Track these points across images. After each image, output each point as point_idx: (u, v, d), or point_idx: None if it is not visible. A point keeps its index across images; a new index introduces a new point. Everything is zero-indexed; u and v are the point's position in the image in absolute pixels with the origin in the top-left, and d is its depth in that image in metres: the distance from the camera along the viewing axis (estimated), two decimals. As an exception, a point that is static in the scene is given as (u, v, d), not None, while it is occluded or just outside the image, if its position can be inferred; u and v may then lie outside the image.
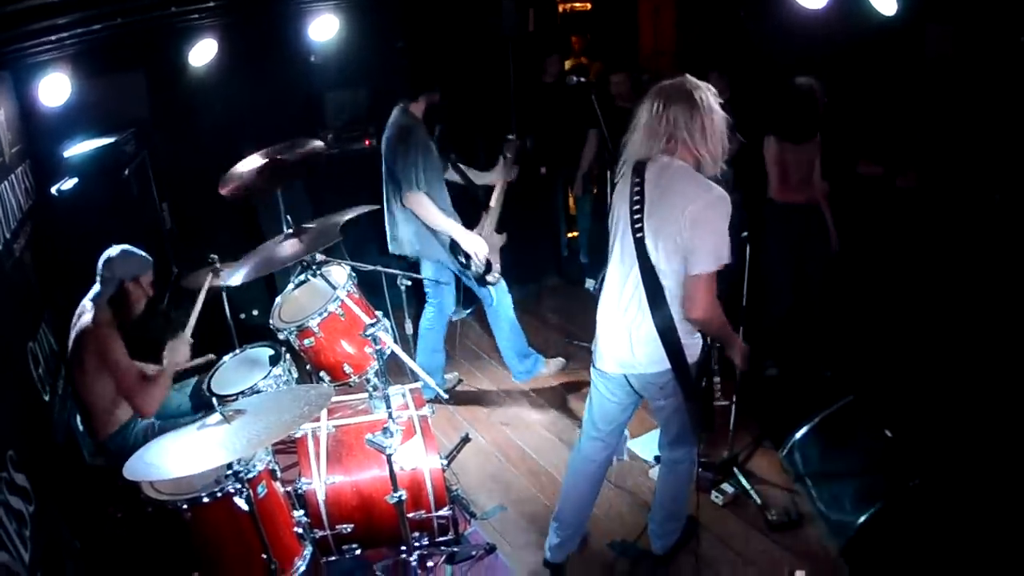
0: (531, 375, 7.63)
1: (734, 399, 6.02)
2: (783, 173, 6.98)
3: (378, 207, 6.55)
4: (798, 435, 5.60)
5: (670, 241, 4.12)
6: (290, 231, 5.40)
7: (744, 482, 5.93)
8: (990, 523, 4.94)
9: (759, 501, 5.77)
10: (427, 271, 7.22)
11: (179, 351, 5.29)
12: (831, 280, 7.16)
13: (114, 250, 5.17)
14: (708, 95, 4.16)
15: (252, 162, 6.16)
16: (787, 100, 6.77)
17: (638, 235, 4.21)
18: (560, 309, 9.35)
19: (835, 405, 5.59)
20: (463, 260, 6.86)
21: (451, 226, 6.71)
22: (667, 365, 4.34)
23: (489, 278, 6.97)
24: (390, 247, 7.10)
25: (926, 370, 6.53)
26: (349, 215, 5.66)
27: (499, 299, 7.24)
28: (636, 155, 4.31)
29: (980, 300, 6.57)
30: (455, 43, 9.17)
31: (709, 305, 4.16)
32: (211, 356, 5.93)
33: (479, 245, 6.77)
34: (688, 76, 4.25)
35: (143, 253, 5.28)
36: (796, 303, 7.26)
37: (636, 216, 4.22)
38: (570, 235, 10.34)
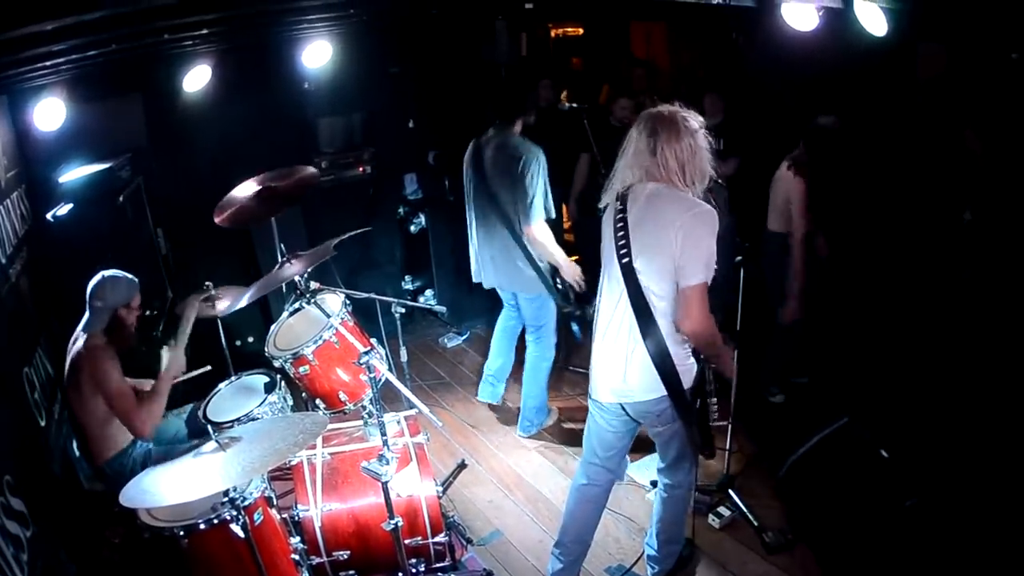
0: (538, 428, 7.47)
1: (730, 419, 6.01)
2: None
3: (368, 229, 6.48)
4: (794, 456, 5.60)
5: (661, 260, 4.17)
6: (284, 259, 5.43)
7: (741, 504, 5.92)
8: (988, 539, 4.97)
9: (756, 523, 5.76)
10: (510, 297, 7.15)
11: (175, 361, 5.32)
12: (825, 298, 7.15)
13: (100, 278, 5.15)
14: (688, 124, 4.21)
15: (246, 189, 6.18)
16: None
17: (624, 260, 4.25)
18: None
19: (831, 426, 5.59)
20: (561, 290, 6.74)
21: (562, 255, 6.58)
22: (662, 392, 4.36)
23: (577, 313, 6.88)
24: (487, 280, 7.01)
25: (921, 388, 6.54)
26: (343, 238, 5.70)
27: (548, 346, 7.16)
28: (620, 183, 4.38)
29: (977, 314, 6.59)
30: (448, 68, 9.20)
31: (702, 317, 4.19)
32: (208, 367, 5.92)
33: (579, 273, 6.67)
34: (675, 103, 4.31)
35: (128, 276, 5.25)
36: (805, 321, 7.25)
37: (621, 243, 4.27)
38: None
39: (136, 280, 5.29)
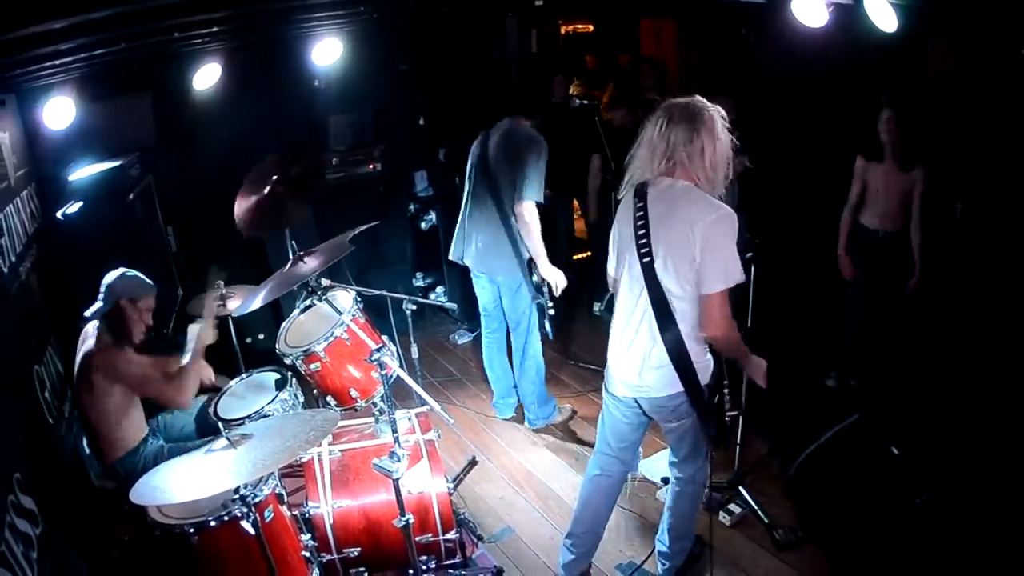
0: (546, 422, 7.49)
1: (741, 410, 5.99)
2: (862, 191, 6.98)
3: (377, 223, 6.48)
4: (805, 454, 5.59)
5: (682, 262, 4.13)
6: (296, 257, 5.43)
7: (751, 501, 5.91)
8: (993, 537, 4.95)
9: (767, 520, 5.74)
10: (485, 294, 7.18)
11: (205, 333, 5.34)
12: (904, 308, 7.08)
13: (115, 271, 5.17)
14: (715, 117, 4.17)
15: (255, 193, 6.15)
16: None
17: (645, 259, 4.22)
18: (565, 331, 9.31)
19: (842, 423, 5.57)
20: (535, 282, 6.73)
21: (542, 248, 6.58)
22: (678, 388, 4.35)
23: (550, 311, 6.84)
24: (469, 259, 7.03)
25: (931, 384, 6.53)
26: (356, 231, 5.70)
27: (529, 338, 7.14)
28: (638, 175, 4.33)
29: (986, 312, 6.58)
30: (458, 65, 9.21)
31: (724, 321, 4.18)
32: (227, 380, 5.94)
33: (559, 276, 6.64)
34: (697, 96, 4.25)
35: (146, 279, 5.25)
36: (869, 321, 7.24)
37: (642, 241, 4.23)
38: (575, 257, 10.31)
39: (154, 286, 5.30)
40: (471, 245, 6.91)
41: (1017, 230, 6.31)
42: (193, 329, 5.39)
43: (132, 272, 5.22)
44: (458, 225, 7.03)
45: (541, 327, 6.96)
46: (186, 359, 5.22)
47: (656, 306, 4.25)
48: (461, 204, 6.97)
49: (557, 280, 6.62)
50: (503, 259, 6.71)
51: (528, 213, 6.40)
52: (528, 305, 6.88)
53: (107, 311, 5.09)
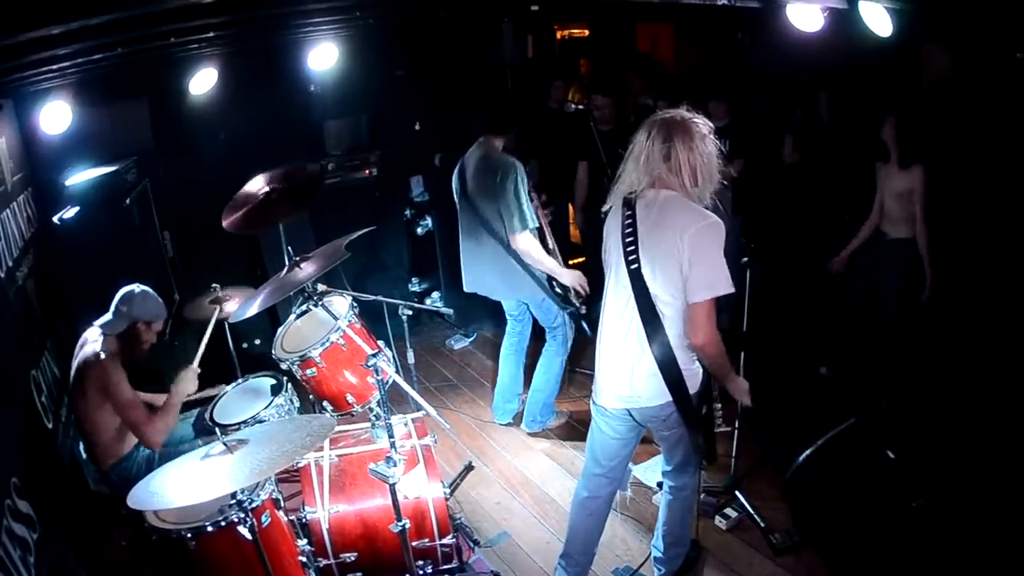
0: (543, 426, 7.51)
1: (736, 424, 6.01)
2: (881, 199, 6.95)
3: (373, 228, 6.48)
4: (801, 458, 5.60)
5: (669, 268, 4.12)
6: (292, 262, 5.43)
7: (747, 506, 5.91)
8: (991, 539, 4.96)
9: (763, 524, 5.75)
10: (512, 308, 7.17)
11: (187, 381, 5.31)
12: (902, 319, 7.04)
13: (136, 288, 5.18)
14: (694, 130, 4.15)
15: (256, 184, 6.18)
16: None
17: (632, 267, 4.21)
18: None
19: (838, 427, 5.58)
20: (560, 293, 6.75)
21: (553, 263, 6.56)
22: (669, 397, 4.33)
23: (582, 311, 6.84)
24: (471, 286, 7.04)
25: (927, 388, 6.53)
26: (352, 237, 5.70)
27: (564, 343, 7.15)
28: (626, 187, 4.31)
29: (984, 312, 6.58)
30: (455, 70, 9.22)
31: (710, 330, 4.15)
32: (224, 387, 5.94)
33: (579, 278, 6.64)
34: (683, 109, 4.24)
35: (159, 299, 5.29)
36: (858, 327, 7.23)
37: (630, 248, 4.22)
38: (571, 262, 10.29)
39: (165, 307, 5.35)
40: (482, 277, 6.90)
41: (1016, 231, 6.32)
42: (179, 377, 5.37)
43: (150, 291, 5.24)
44: (461, 257, 7.00)
45: (579, 329, 6.98)
46: (168, 400, 5.23)
47: (644, 313, 4.24)
48: (457, 213, 6.94)
49: (579, 283, 6.62)
50: (518, 282, 6.68)
51: (524, 244, 6.38)
52: (557, 311, 6.88)
53: (121, 331, 5.11)
